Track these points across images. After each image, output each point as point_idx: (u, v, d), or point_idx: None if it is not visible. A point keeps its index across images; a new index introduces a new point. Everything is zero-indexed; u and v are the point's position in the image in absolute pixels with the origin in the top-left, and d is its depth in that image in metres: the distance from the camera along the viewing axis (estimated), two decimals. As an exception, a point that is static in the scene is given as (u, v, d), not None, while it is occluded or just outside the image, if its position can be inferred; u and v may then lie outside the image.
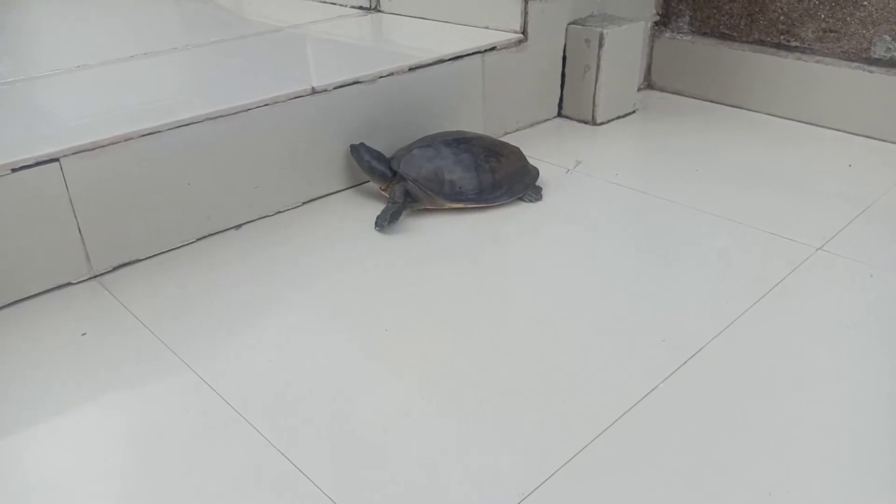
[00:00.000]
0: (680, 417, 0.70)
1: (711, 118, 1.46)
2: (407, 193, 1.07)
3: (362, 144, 1.11)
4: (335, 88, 1.11)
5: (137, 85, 1.17)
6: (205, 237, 1.04)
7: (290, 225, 1.07)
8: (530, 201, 1.11)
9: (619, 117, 1.46)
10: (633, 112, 1.49)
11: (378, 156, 1.11)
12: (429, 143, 1.11)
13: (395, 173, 1.09)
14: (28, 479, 0.65)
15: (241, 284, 0.93)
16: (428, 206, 1.09)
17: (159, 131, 0.96)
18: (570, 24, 1.39)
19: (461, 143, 1.11)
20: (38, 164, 0.88)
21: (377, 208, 1.09)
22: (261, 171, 1.07)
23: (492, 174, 1.09)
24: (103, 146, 0.92)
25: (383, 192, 1.11)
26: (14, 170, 0.86)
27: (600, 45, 1.35)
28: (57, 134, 0.94)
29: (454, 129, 1.24)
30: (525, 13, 1.33)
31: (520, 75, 1.36)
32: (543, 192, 1.14)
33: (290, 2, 1.77)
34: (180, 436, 0.69)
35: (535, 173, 1.15)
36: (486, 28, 1.38)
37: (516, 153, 1.15)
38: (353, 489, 0.63)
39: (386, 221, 1.04)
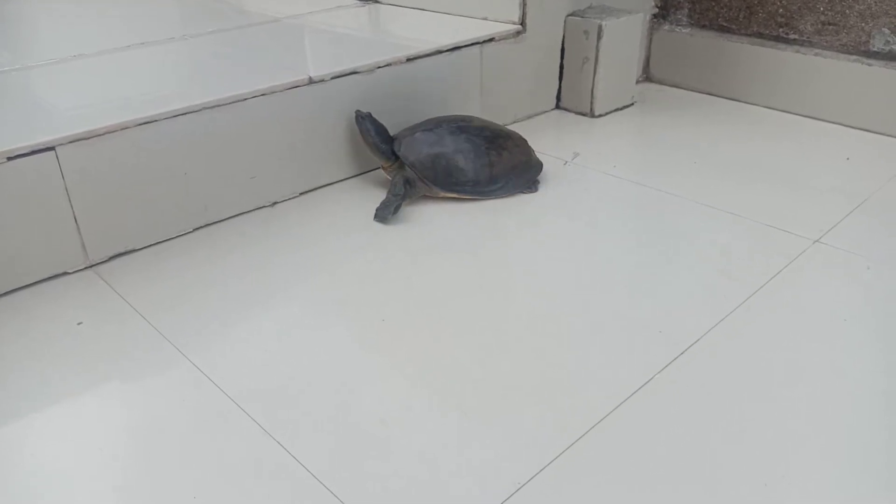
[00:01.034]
0: (677, 409, 0.70)
1: (709, 111, 1.46)
2: (407, 181, 1.07)
3: (369, 115, 1.10)
4: (332, 78, 1.11)
5: (134, 74, 1.16)
6: (202, 227, 1.04)
7: (287, 215, 1.07)
8: (523, 192, 1.11)
9: (617, 109, 1.46)
10: (632, 104, 1.48)
11: (383, 133, 1.10)
12: (432, 126, 1.10)
13: (397, 156, 1.09)
14: (25, 469, 0.65)
15: (238, 275, 0.93)
16: (425, 194, 1.10)
17: (156, 121, 0.96)
18: (568, 15, 1.39)
19: (465, 130, 1.10)
20: (33, 152, 0.87)
21: (375, 199, 1.09)
22: (258, 162, 1.06)
23: (490, 167, 1.08)
24: (99, 135, 0.91)
25: (384, 170, 1.12)
26: (9, 158, 0.86)
27: (599, 37, 1.35)
28: (53, 123, 0.93)
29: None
30: (524, 4, 1.32)
31: (518, 67, 1.36)
32: (541, 185, 1.13)
33: (288, -8, 1.77)
34: (178, 427, 0.69)
35: (537, 168, 1.14)
36: (485, 19, 1.38)
37: (521, 145, 1.14)
38: (353, 481, 0.63)
39: (389, 213, 1.04)
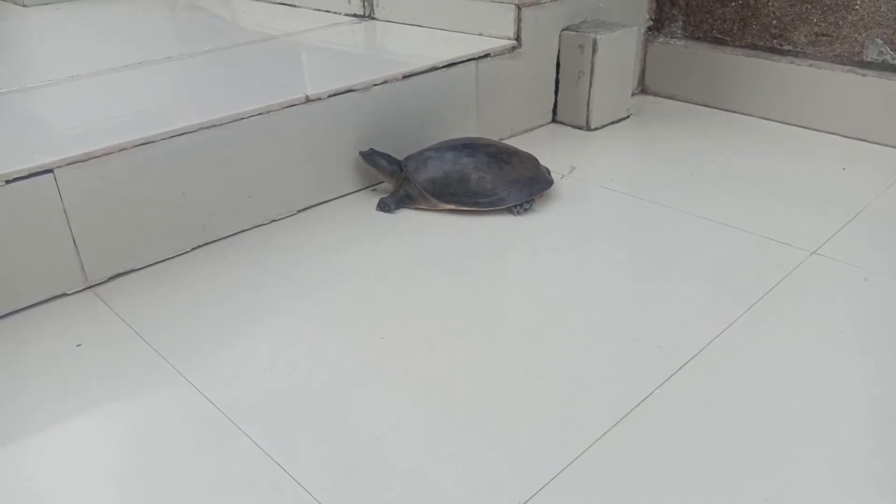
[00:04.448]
0: (676, 424, 0.70)
1: (705, 123, 1.47)
2: (408, 195, 1.11)
3: (373, 151, 1.14)
4: (329, 97, 1.11)
5: (131, 94, 1.17)
6: (200, 246, 1.04)
7: (285, 233, 1.07)
8: (516, 214, 1.10)
9: (613, 122, 1.46)
10: (627, 117, 1.49)
11: (392, 160, 1.14)
12: (439, 146, 1.13)
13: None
14: (23, 491, 0.65)
15: (236, 294, 0.93)
16: (422, 206, 1.11)
17: (153, 141, 0.96)
18: (563, 30, 1.40)
19: (467, 147, 1.11)
20: (31, 175, 0.88)
21: (372, 216, 1.10)
22: (255, 180, 1.07)
23: (489, 180, 1.08)
24: (97, 156, 0.92)
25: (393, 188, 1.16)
26: (8, 181, 0.86)
27: (594, 51, 1.36)
28: (51, 144, 0.94)
29: (450, 135, 1.24)
30: (518, 20, 1.33)
31: (514, 82, 1.36)
32: (538, 198, 1.13)
33: (285, 10, 1.78)
34: (176, 446, 0.69)
35: (544, 184, 1.13)
36: (480, 35, 1.39)
37: (527, 162, 1.14)
38: (347, 498, 0.63)
39: (392, 204, 1.11)
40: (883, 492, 0.62)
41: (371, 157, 1.13)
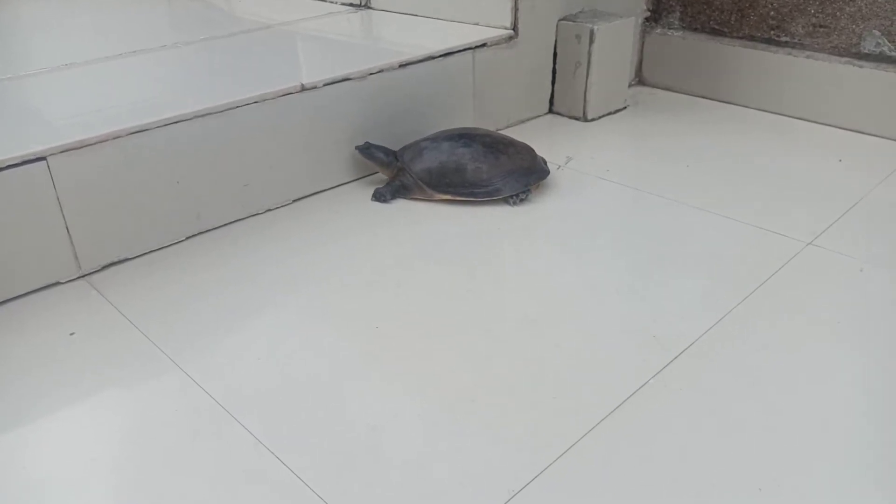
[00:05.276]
0: (670, 413, 0.70)
1: (702, 114, 1.46)
2: (403, 186, 1.11)
3: (369, 144, 1.13)
4: (325, 85, 1.11)
5: (126, 83, 1.16)
6: (194, 236, 1.03)
7: (280, 223, 1.07)
8: (512, 204, 1.10)
9: (609, 113, 1.46)
10: (624, 108, 1.49)
11: (389, 152, 1.13)
12: (435, 136, 1.13)
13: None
14: (15, 480, 0.65)
15: (230, 283, 0.93)
16: (418, 196, 1.11)
17: (147, 129, 0.95)
18: (560, 20, 1.39)
19: (463, 137, 1.11)
20: (24, 162, 0.87)
21: (367, 206, 1.09)
22: (250, 169, 1.06)
23: (485, 170, 1.08)
24: (91, 144, 0.91)
25: (389, 178, 1.15)
26: (0, 168, 0.85)
27: (591, 42, 1.35)
28: (44, 132, 0.93)
29: (446, 125, 1.24)
30: (515, 9, 1.32)
31: (510, 72, 1.36)
32: (534, 189, 1.13)
33: (280, -1, 1.77)
34: (170, 436, 0.69)
35: (540, 174, 1.13)
36: (477, 24, 1.38)
37: (523, 152, 1.13)
38: (345, 489, 0.63)
39: (387, 195, 1.11)
40: (878, 483, 0.62)
41: (368, 150, 1.13)
